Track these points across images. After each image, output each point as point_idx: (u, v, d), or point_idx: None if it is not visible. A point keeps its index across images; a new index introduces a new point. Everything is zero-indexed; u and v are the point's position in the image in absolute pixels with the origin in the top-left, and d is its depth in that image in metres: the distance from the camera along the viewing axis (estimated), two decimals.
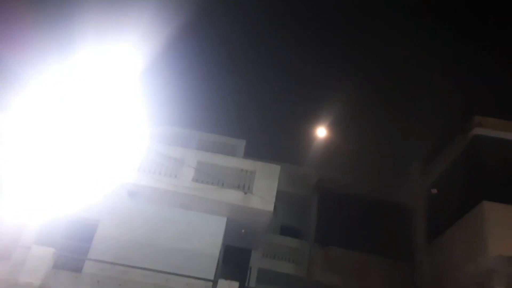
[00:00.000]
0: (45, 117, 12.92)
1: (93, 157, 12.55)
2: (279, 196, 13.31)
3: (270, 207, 12.58)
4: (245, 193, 12.69)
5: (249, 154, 16.93)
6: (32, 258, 10.79)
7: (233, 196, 12.70)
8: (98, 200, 12.73)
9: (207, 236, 12.82)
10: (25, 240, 11.81)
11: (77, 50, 14.44)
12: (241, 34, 18.94)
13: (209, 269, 12.19)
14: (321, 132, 19.40)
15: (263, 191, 12.77)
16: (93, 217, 12.81)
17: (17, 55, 14.48)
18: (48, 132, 12.68)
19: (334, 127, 19.36)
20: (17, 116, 13.01)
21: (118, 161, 12.72)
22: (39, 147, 12.46)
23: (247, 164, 13.49)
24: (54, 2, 15.61)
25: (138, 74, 15.32)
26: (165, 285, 11.46)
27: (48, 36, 15.12)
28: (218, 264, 12.78)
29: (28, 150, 12.45)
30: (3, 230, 11.98)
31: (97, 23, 14.74)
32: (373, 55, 18.99)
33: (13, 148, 12.50)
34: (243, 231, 13.76)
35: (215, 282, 11.26)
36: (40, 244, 11.30)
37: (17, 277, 10.48)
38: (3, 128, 12.85)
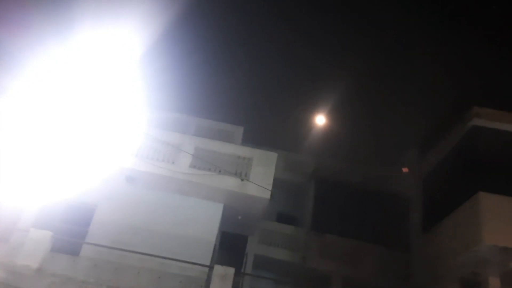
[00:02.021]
0: (43, 101, 12.87)
1: (91, 142, 12.54)
2: (276, 183, 13.33)
3: (267, 194, 12.63)
4: (242, 180, 12.72)
5: (246, 140, 16.94)
6: (30, 241, 10.82)
7: (230, 183, 12.74)
8: (96, 184, 12.78)
9: (204, 222, 12.89)
10: (23, 223, 11.89)
11: (75, 34, 14.32)
12: (239, 20, 18.82)
13: (206, 255, 12.28)
14: (319, 119, 19.42)
15: (260, 178, 12.81)
16: (91, 202, 12.87)
17: (15, 38, 14.37)
18: (47, 116, 12.65)
19: (331, 115, 19.38)
20: (15, 100, 12.95)
21: (116, 146, 12.72)
22: (37, 131, 12.45)
23: (245, 151, 13.51)
24: None
25: (136, 59, 15.24)
26: (161, 269, 11.56)
27: (46, 19, 14.99)
28: (214, 249, 12.88)
29: (26, 134, 12.43)
30: (1, 213, 12.04)
31: (96, 7, 14.62)
32: (370, 44, 18.91)
33: (11, 132, 12.48)
34: (239, 217, 13.84)
35: (211, 268, 11.32)
36: (38, 228, 11.33)
37: (15, 260, 10.51)
38: (1, 112, 12.81)
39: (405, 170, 16.13)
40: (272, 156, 13.44)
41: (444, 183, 14.57)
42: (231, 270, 10.88)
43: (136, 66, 15.12)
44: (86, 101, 13.04)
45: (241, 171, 13.01)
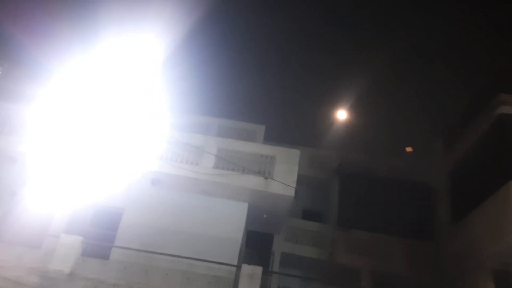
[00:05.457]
0: (70, 107, 13.16)
1: (117, 147, 12.75)
2: (300, 180, 13.31)
3: (291, 192, 12.60)
4: (266, 178, 12.72)
5: (268, 138, 16.94)
6: (61, 246, 11.11)
7: (254, 182, 12.75)
8: (122, 188, 12.98)
9: (229, 222, 12.95)
10: (54, 229, 12.13)
11: (99, 40, 14.59)
12: (260, 19, 18.80)
13: (233, 254, 12.34)
14: (341, 114, 19.26)
15: (284, 176, 12.78)
16: (118, 206, 13.08)
17: (41, 46, 14.73)
18: (74, 122, 12.93)
19: (353, 108, 19.19)
20: (43, 107, 13.28)
21: (141, 150, 12.90)
22: (65, 137, 12.73)
23: (267, 149, 13.51)
24: None
25: (159, 64, 15.41)
26: (190, 270, 11.67)
27: (71, 26, 15.33)
28: (241, 249, 12.92)
29: (54, 141, 12.73)
30: (33, 221, 12.35)
31: (120, 14, 14.86)
32: (392, 34, 18.60)
33: (40, 139, 12.80)
34: (265, 216, 13.85)
35: (238, 267, 11.38)
36: (68, 233, 11.62)
37: (48, 265, 10.82)
38: (31, 119, 13.17)
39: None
40: (295, 153, 13.39)
41: (473, 172, 14.25)
42: (258, 269, 10.92)
43: (159, 71, 15.29)
44: (111, 107, 13.27)
45: (265, 170, 13.00)
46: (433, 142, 17.55)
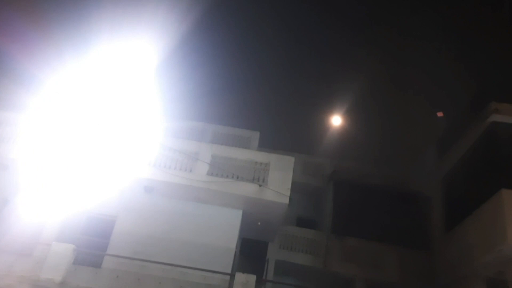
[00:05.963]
0: (62, 115, 13.08)
1: (109, 154, 12.67)
2: (294, 187, 13.26)
3: (285, 199, 12.58)
4: (260, 185, 12.69)
5: (263, 145, 16.91)
6: (53, 254, 10.98)
7: (248, 189, 12.72)
8: (115, 196, 12.90)
9: (223, 229, 12.89)
10: (45, 237, 12.04)
11: (92, 46, 14.55)
12: (253, 26, 18.85)
13: (226, 262, 12.27)
14: (335, 121, 19.32)
15: (278, 183, 12.76)
16: (111, 213, 12.98)
17: (32, 53, 14.66)
18: (65, 130, 12.85)
19: (347, 116, 19.24)
20: (34, 115, 13.19)
21: (133, 157, 12.84)
22: (56, 145, 12.64)
23: (261, 157, 13.48)
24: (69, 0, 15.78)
25: (152, 70, 15.38)
26: (183, 279, 11.56)
27: (63, 33, 15.27)
28: (235, 257, 12.86)
29: (46, 148, 12.63)
30: (24, 228, 12.22)
31: (112, 19, 14.83)
32: (385, 43, 18.72)
33: (32, 147, 12.70)
34: (259, 223, 13.80)
35: (232, 276, 11.31)
36: (60, 241, 11.49)
37: (39, 274, 10.68)
38: (22, 127, 13.07)
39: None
40: (289, 160, 13.37)
41: (465, 181, 14.30)
42: (252, 278, 10.85)
43: (152, 77, 15.26)
44: (104, 113, 13.20)
45: (259, 177, 12.98)
46: (426, 150, 17.63)
